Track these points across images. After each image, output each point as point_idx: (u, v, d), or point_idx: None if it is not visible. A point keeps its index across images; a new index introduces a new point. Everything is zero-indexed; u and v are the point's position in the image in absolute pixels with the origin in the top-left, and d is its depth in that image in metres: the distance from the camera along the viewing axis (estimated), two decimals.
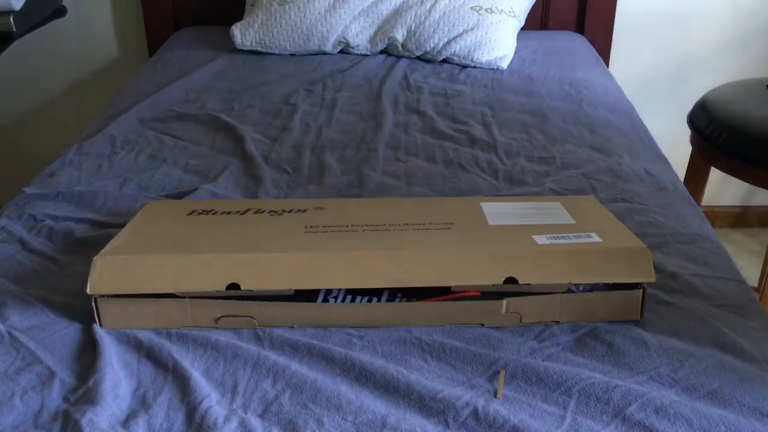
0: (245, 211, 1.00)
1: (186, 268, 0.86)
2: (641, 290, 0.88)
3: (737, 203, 2.41)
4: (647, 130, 1.49)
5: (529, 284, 0.86)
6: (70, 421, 0.73)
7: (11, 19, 1.74)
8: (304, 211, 1.00)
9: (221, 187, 1.22)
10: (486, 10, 1.82)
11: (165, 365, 0.82)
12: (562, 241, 0.90)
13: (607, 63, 2.11)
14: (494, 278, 0.86)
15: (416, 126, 1.46)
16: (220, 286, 0.85)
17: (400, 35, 1.82)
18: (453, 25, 1.80)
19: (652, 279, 0.87)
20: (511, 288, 0.86)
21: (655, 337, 0.86)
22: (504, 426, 0.73)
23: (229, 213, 1.00)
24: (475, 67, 1.79)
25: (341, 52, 1.88)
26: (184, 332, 0.86)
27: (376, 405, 0.76)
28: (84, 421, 0.72)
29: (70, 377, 0.80)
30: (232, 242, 0.91)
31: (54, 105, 2.27)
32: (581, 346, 0.85)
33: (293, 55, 1.86)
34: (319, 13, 1.82)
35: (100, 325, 0.87)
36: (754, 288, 1.75)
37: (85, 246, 1.04)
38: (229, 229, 0.94)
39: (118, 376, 0.80)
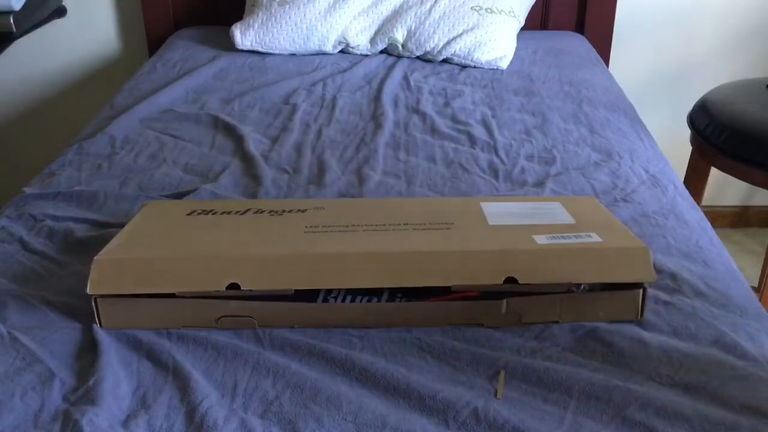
0: (245, 211, 1.00)
1: (186, 268, 0.86)
2: (641, 290, 0.88)
3: (737, 203, 2.41)
4: (647, 130, 1.49)
5: (529, 284, 0.86)
6: (70, 421, 0.73)
7: (11, 19, 1.74)
8: (304, 211, 1.00)
9: (221, 187, 1.22)
10: (486, 10, 1.82)
11: (165, 365, 0.82)
12: (562, 241, 0.90)
13: (607, 63, 2.11)
14: (494, 278, 0.85)
15: (416, 126, 1.46)
16: (220, 286, 0.85)
17: (400, 35, 1.82)
18: (453, 25, 1.80)
19: (652, 279, 0.87)
20: (511, 288, 0.86)
21: (655, 337, 0.86)
22: (504, 426, 0.73)
23: (229, 213, 1.00)
24: (475, 67, 1.79)
25: (341, 52, 1.88)
26: (184, 332, 0.86)
27: (376, 405, 0.76)
28: (84, 421, 0.72)
29: (70, 377, 0.80)
30: (232, 242, 0.91)
31: (54, 105, 2.27)
32: (581, 346, 0.85)
33: (293, 55, 1.87)
34: (319, 13, 1.82)
35: (100, 325, 0.87)
36: (754, 288, 1.75)
37: (85, 246, 1.04)
38: (229, 229, 0.94)
39: (118, 376, 0.80)
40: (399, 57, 1.85)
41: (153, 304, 0.86)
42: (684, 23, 2.14)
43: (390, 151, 1.36)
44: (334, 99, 1.59)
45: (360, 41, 1.85)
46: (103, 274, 0.85)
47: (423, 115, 1.51)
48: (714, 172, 1.83)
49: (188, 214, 0.99)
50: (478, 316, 0.88)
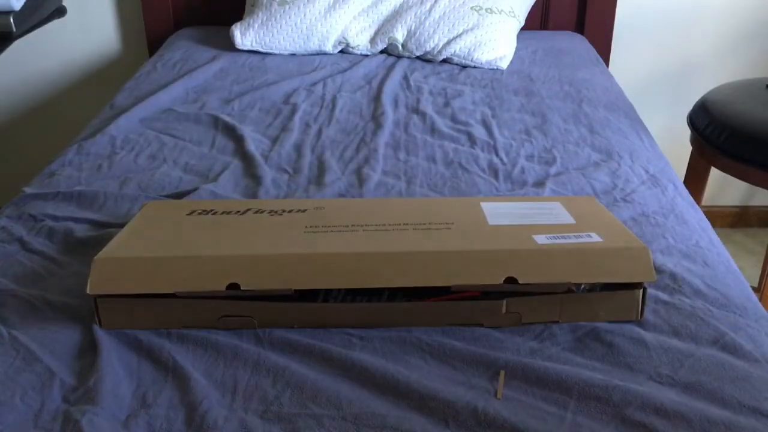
0: (245, 211, 1.00)
1: (186, 268, 0.86)
2: (641, 290, 0.88)
3: (737, 203, 2.41)
4: (647, 130, 1.49)
5: (529, 284, 0.86)
6: (70, 421, 0.73)
7: (11, 19, 1.74)
8: (304, 211, 1.00)
9: (221, 187, 1.22)
10: (486, 10, 1.82)
11: (165, 365, 0.82)
12: (562, 241, 0.90)
13: (607, 63, 2.11)
14: (494, 278, 0.85)
15: (416, 126, 1.46)
16: (220, 286, 0.85)
17: (400, 35, 1.82)
18: (453, 25, 1.80)
19: (653, 279, 0.87)
20: (511, 288, 0.86)
21: (655, 337, 0.86)
22: (504, 426, 0.73)
23: (229, 213, 1.00)
24: (475, 67, 1.79)
25: (341, 52, 1.88)
26: (184, 332, 0.86)
27: (376, 405, 0.76)
28: (84, 421, 0.72)
29: (70, 377, 0.80)
30: (232, 242, 0.91)
31: (54, 105, 2.27)
32: (581, 346, 0.85)
33: (293, 55, 1.87)
34: (319, 13, 1.82)
35: (100, 325, 0.87)
36: (754, 288, 1.75)
37: (85, 246, 1.04)
38: (229, 229, 0.94)
39: (118, 376, 0.80)
40: (399, 57, 1.85)
41: (153, 304, 0.86)
42: (684, 23, 2.14)
43: (390, 151, 1.36)
44: (334, 99, 1.59)
45: (360, 41, 1.85)
46: (103, 274, 0.85)
47: (423, 115, 1.51)
48: (714, 172, 1.83)
49: (188, 214, 0.99)
50: (478, 316, 0.88)
